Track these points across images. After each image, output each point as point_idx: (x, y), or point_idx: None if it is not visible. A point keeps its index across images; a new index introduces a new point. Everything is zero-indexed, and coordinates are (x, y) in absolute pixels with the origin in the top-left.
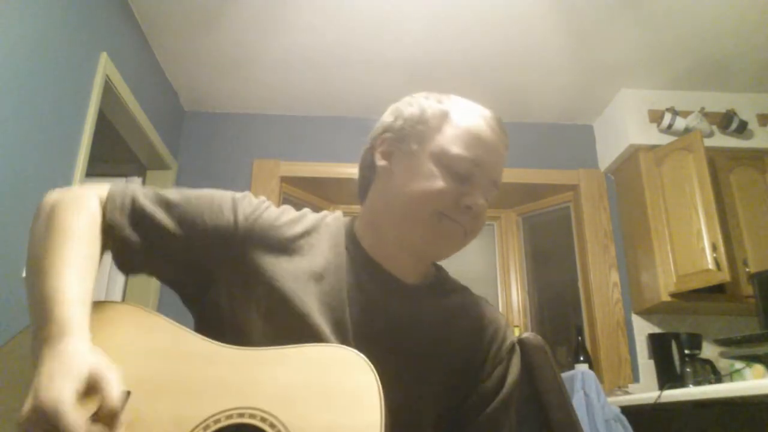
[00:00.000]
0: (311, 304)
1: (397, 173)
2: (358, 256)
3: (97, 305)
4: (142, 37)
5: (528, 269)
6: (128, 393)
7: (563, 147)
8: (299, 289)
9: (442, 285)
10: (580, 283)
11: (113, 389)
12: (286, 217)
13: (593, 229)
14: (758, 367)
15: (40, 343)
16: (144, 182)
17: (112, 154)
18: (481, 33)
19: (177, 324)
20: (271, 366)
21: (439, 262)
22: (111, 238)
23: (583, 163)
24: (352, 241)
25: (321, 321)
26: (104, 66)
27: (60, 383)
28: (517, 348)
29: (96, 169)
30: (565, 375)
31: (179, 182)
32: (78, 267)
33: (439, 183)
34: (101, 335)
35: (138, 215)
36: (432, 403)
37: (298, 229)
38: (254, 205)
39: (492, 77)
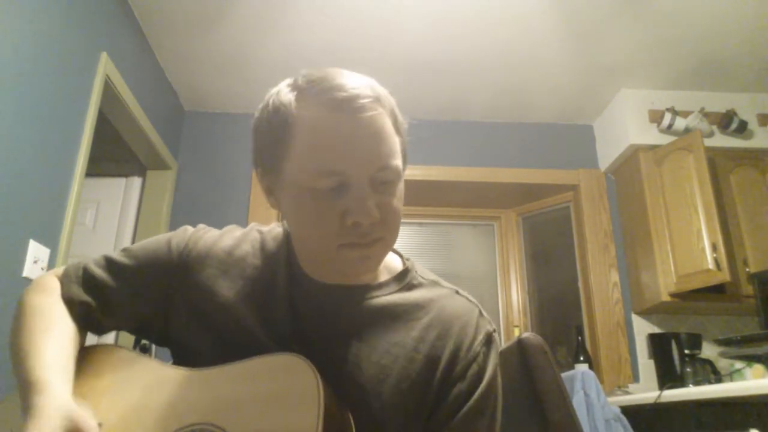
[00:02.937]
0: (255, 325)
1: (284, 210)
2: (296, 268)
3: (86, 350)
4: (142, 37)
5: (528, 269)
6: (100, 425)
7: (563, 147)
8: (242, 312)
9: (403, 280)
10: (580, 283)
11: (89, 423)
12: (225, 242)
13: (593, 229)
14: (758, 367)
15: (25, 411)
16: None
17: (112, 154)
18: (481, 33)
19: (149, 357)
20: (223, 382)
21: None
22: (73, 306)
23: (583, 163)
24: (290, 253)
25: (267, 341)
26: (104, 66)
27: (39, 428)
28: (495, 338)
29: (96, 169)
30: (565, 375)
31: (179, 182)
32: (53, 336)
33: (315, 220)
34: (86, 378)
35: (90, 282)
36: (396, 405)
37: (238, 252)
38: (188, 236)
39: (492, 77)
